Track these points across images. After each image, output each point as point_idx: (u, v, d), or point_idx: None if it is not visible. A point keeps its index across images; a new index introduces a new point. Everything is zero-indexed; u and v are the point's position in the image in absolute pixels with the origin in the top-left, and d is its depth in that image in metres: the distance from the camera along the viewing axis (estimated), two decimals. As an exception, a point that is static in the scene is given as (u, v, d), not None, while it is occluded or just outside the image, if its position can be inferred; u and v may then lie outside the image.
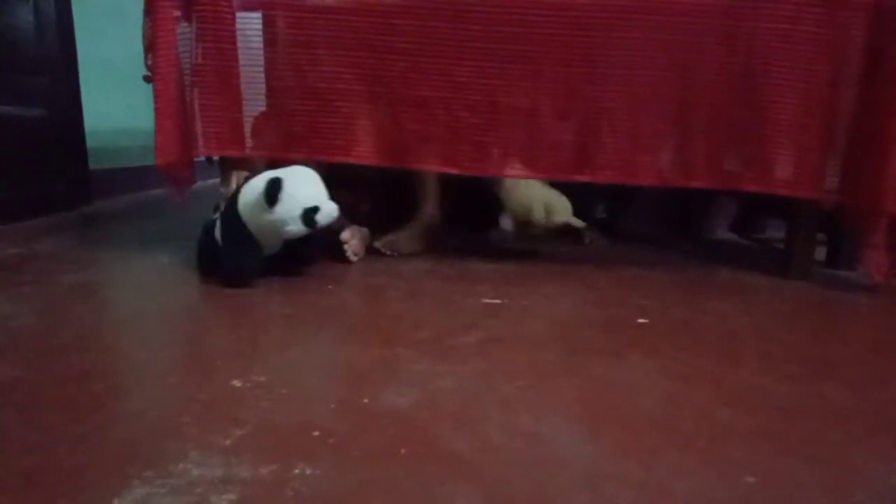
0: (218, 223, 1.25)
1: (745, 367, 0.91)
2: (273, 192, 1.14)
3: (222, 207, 1.25)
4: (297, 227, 1.18)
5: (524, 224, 1.50)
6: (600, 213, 1.90)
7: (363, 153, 1.35)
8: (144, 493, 0.54)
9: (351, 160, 1.34)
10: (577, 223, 1.62)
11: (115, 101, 2.39)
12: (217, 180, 1.48)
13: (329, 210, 1.19)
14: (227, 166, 1.42)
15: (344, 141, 1.33)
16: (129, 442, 0.63)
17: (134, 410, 0.71)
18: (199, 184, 1.75)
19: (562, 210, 1.53)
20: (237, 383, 0.77)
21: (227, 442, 0.63)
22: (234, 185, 1.26)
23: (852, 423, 0.74)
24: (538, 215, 1.46)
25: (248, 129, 1.37)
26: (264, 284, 1.23)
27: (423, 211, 1.60)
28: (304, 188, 1.18)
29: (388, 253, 1.52)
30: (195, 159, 1.38)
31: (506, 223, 1.50)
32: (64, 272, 1.27)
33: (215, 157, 1.48)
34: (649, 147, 1.38)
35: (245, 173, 1.31)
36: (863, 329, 1.16)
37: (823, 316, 1.23)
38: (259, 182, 1.17)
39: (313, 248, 1.33)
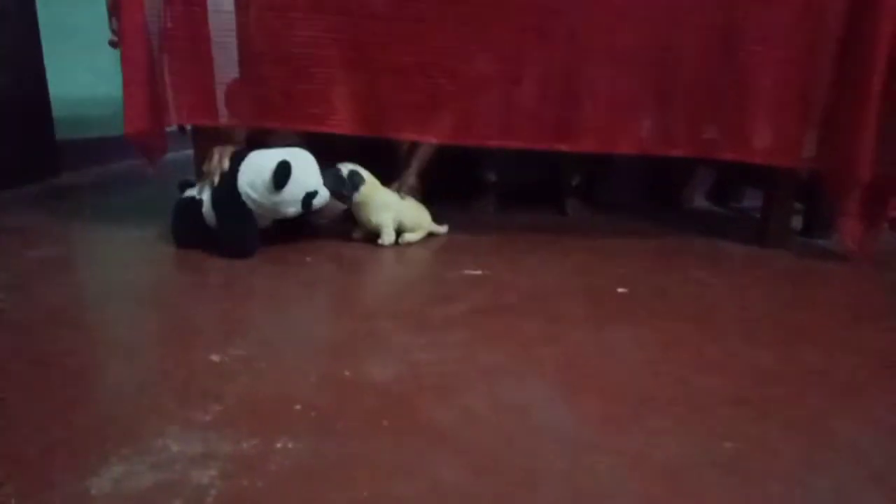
0: (204, 200, 1.22)
1: (724, 334, 0.92)
2: (283, 176, 1.16)
3: (214, 183, 1.23)
4: (295, 210, 1.21)
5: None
6: (577, 182, 1.89)
7: (339, 122, 1.32)
8: (123, 470, 0.54)
9: (327, 129, 1.31)
10: (440, 230, 1.47)
11: (81, 67, 2.29)
12: (190, 151, 1.44)
13: (325, 195, 1.24)
14: (204, 141, 1.38)
15: (320, 110, 1.30)
16: (106, 419, 0.62)
17: (110, 387, 0.69)
18: (172, 155, 1.70)
19: (417, 224, 1.42)
20: (216, 358, 0.76)
21: (207, 417, 0.63)
22: (224, 163, 1.23)
23: (827, 387, 0.76)
24: (387, 239, 1.35)
25: (220, 97, 1.33)
26: (246, 261, 1.21)
27: (404, 182, 1.58)
28: (308, 173, 1.22)
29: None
30: (166, 129, 1.34)
31: (357, 235, 1.42)
32: (32, 247, 1.23)
33: (187, 127, 1.44)
34: (629, 115, 1.37)
35: (231, 148, 1.27)
36: (838, 296, 1.19)
37: (799, 283, 1.25)
38: (263, 162, 1.18)
39: (305, 223, 1.36)
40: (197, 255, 1.20)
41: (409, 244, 1.38)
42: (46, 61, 2.04)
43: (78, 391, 0.67)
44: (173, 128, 1.43)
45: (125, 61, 1.24)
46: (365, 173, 1.35)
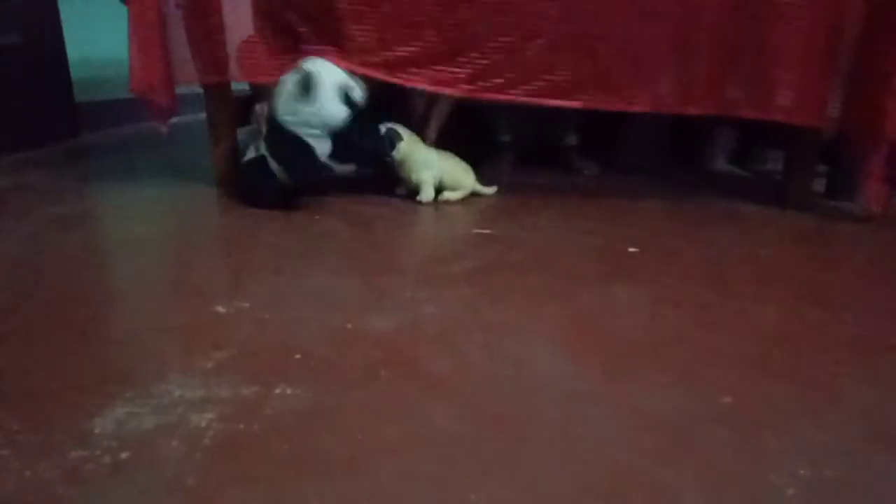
0: (266, 153, 1.25)
1: (733, 294, 0.90)
2: (307, 83, 1.17)
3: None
4: (338, 110, 1.20)
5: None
6: (570, 140, 1.85)
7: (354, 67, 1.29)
8: (125, 412, 0.55)
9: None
10: (486, 190, 1.46)
11: (99, 28, 2.29)
12: (203, 114, 1.44)
13: (361, 87, 1.23)
14: (216, 104, 1.40)
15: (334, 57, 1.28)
16: (111, 365, 0.64)
17: (116, 335, 0.71)
18: (187, 118, 1.71)
19: (458, 184, 1.41)
20: (221, 309, 0.77)
21: (209, 364, 0.64)
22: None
23: (834, 347, 0.75)
24: (426, 196, 1.36)
25: (232, 55, 1.32)
26: (252, 215, 1.21)
27: (424, 137, 1.57)
28: (331, 72, 1.20)
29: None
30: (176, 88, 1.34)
31: (400, 191, 1.41)
32: (49, 204, 1.25)
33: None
34: (648, 72, 1.33)
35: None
36: (855, 257, 1.16)
37: (816, 244, 1.22)
38: (286, 85, 1.19)
39: (370, 139, 1.35)
40: (208, 213, 1.22)
41: (448, 202, 1.39)
42: (64, 23, 2.05)
43: (85, 338, 0.69)
44: (186, 90, 1.43)
45: (133, 18, 1.24)
46: (404, 131, 1.36)
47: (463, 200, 1.41)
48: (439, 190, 1.39)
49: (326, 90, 1.18)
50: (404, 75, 1.30)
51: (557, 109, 1.35)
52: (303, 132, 1.19)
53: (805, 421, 0.58)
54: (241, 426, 0.53)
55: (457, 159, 1.43)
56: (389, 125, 1.35)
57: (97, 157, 1.87)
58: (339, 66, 1.23)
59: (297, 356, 0.66)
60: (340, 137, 1.24)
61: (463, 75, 1.30)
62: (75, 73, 2.11)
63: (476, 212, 1.33)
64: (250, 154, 1.29)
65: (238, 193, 1.31)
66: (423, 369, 0.64)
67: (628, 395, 0.61)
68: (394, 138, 1.34)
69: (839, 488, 0.49)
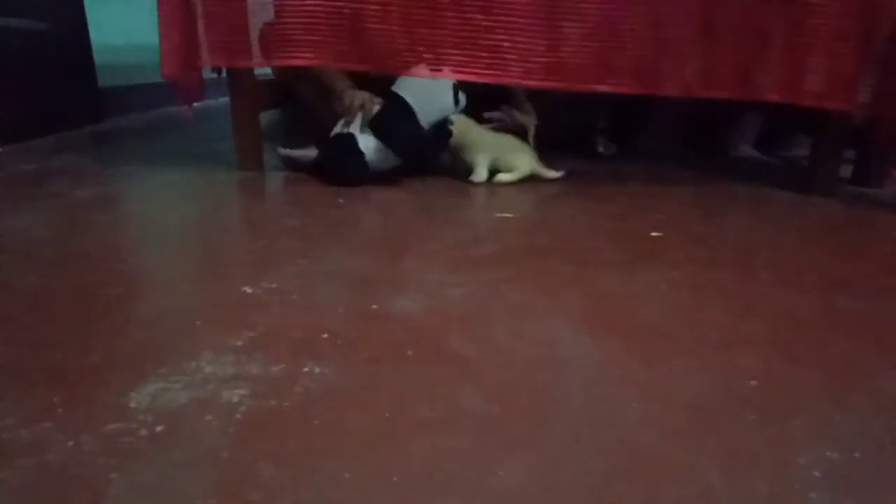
0: (357, 135, 1.35)
1: (758, 280, 0.90)
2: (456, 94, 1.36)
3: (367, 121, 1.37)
4: (449, 104, 1.37)
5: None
6: (600, 124, 1.85)
7: (369, 60, 1.30)
8: (159, 388, 0.56)
9: (356, 68, 1.29)
10: (549, 174, 1.46)
11: (123, 14, 2.32)
12: (227, 99, 1.45)
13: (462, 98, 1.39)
14: (241, 88, 1.42)
15: (353, 53, 1.28)
16: (144, 343, 0.65)
17: (148, 315, 0.72)
18: (210, 102, 1.72)
19: (514, 166, 1.43)
20: (249, 290, 0.78)
21: (239, 343, 0.65)
22: (367, 105, 1.39)
23: (861, 334, 0.74)
24: (478, 176, 1.39)
25: (254, 39, 1.33)
26: (275, 198, 1.23)
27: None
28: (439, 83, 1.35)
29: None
30: (202, 73, 1.35)
31: (457, 169, 1.47)
32: (78, 187, 1.28)
33: (223, 72, 1.45)
34: (673, 55, 1.31)
35: (362, 93, 1.42)
36: (882, 245, 1.14)
37: (843, 231, 1.20)
38: (435, 89, 1.35)
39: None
40: (233, 196, 1.23)
41: (503, 184, 1.41)
42: (87, 9, 2.07)
43: (117, 318, 0.70)
44: (212, 74, 1.44)
45: (161, 3, 1.25)
46: (456, 117, 1.40)
47: (483, 184, 1.41)
48: (494, 171, 1.41)
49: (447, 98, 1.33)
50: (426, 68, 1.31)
51: (590, 95, 1.35)
52: (425, 119, 1.32)
53: (832, 406, 0.58)
54: (273, 402, 0.55)
55: (515, 141, 1.45)
56: None
57: (121, 142, 1.89)
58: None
59: (325, 336, 0.67)
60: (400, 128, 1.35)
61: (486, 61, 1.30)
62: (98, 58, 2.13)
63: (498, 195, 1.32)
64: (337, 130, 1.39)
65: (319, 166, 1.41)
66: (450, 350, 0.65)
67: (653, 378, 0.61)
68: (447, 121, 1.37)
69: (866, 471, 0.48)
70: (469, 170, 1.42)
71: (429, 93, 1.35)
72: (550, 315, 0.75)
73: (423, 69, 1.29)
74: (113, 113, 2.25)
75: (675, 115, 2.01)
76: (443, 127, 1.39)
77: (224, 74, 1.45)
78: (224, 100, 1.42)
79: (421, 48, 1.28)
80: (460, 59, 1.29)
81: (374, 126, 1.34)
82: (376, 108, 1.38)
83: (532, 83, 1.32)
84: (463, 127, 1.38)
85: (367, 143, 1.34)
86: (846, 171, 1.55)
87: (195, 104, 1.40)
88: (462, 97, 1.37)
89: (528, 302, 0.79)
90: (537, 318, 0.74)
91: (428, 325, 0.71)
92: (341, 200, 1.24)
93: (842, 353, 0.69)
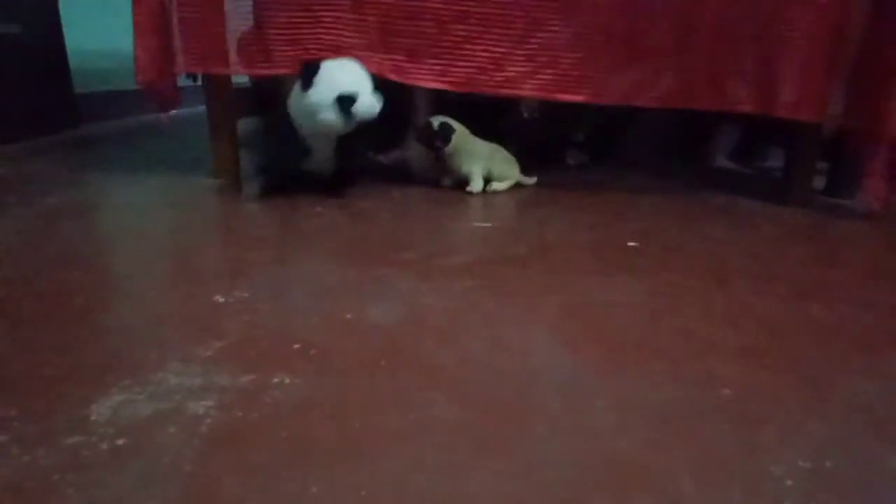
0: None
1: (734, 288, 0.90)
2: (308, 74, 1.12)
3: None
4: (332, 115, 1.14)
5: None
6: (578, 137, 1.87)
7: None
8: (122, 399, 0.55)
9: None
10: (526, 181, 1.51)
11: (99, 19, 2.29)
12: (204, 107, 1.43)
13: (368, 103, 1.14)
14: (217, 95, 1.39)
15: (332, 55, 1.27)
16: (109, 353, 0.63)
17: (114, 323, 0.70)
18: (188, 110, 1.70)
19: (506, 174, 1.47)
20: (220, 299, 0.77)
21: (208, 353, 0.64)
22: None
23: (836, 342, 0.74)
24: (476, 186, 1.40)
25: (232, 46, 1.32)
26: (252, 206, 1.21)
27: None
28: (343, 75, 1.15)
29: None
30: (178, 80, 1.33)
31: (446, 183, 1.44)
32: (50, 193, 1.25)
33: (198, 79, 1.43)
34: (650, 67, 1.33)
35: None
36: (856, 254, 1.15)
37: (818, 241, 1.21)
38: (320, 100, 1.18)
39: (357, 161, 1.33)
40: (208, 204, 1.21)
41: (496, 192, 1.43)
42: (62, 13, 2.04)
43: (82, 327, 0.68)
44: (189, 82, 1.42)
45: (136, 9, 1.24)
46: (455, 124, 1.39)
47: (460, 194, 1.41)
48: (487, 181, 1.43)
49: (322, 91, 1.14)
50: (403, 75, 1.30)
51: (570, 106, 1.36)
52: (299, 125, 1.18)
53: (805, 414, 0.58)
54: (240, 414, 0.53)
55: (504, 151, 1.47)
56: (442, 119, 1.37)
57: (97, 148, 1.86)
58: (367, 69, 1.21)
59: (297, 346, 0.66)
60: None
61: (464, 70, 1.30)
62: (74, 63, 2.10)
63: (475, 205, 1.32)
64: None
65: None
66: (424, 359, 0.64)
67: (628, 387, 0.61)
68: (448, 132, 1.36)
69: (839, 480, 0.48)
70: (459, 178, 1.42)
71: (298, 98, 1.19)
72: (526, 324, 0.75)
73: (394, 75, 1.29)
74: (89, 119, 2.21)
75: (653, 125, 2.03)
76: (430, 129, 1.34)
77: (200, 82, 1.44)
78: (203, 108, 1.41)
79: (399, 57, 1.28)
80: (438, 67, 1.29)
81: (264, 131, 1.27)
82: None
83: (510, 92, 1.33)
84: (460, 139, 1.38)
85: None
86: (819, 181, 1.57)
87: (172, 112, 1.39)
88: (364, 107, 1.17)
89: (503, 311, 0.78)
90: (513, 327, 0.74)
91: (403, 334, 0.70)
92: (319, 209, 1.23)
93: (815, 361, 0.69)
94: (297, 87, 1.18)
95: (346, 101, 1.13)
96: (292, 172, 1.25)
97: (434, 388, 0.59)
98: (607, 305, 0.82)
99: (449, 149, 1.38)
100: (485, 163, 1.42)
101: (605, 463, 0.49)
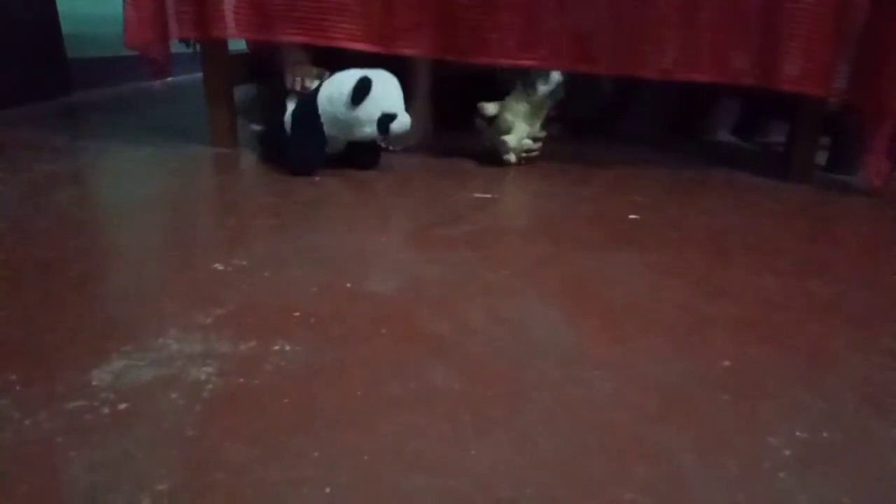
0: (288, 117, 1.25)
1: (733, 263, 0.90)
2: (362, 91, 1.14)
3: (293, 103, 1.26)
4: (371, 130, 1.19)
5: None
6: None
7: (349, 36, 1.27)
8: (123, 365, 0.55)
9: (336, 44, 1.26)
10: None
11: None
12: (200, 74, 1.41)
13: (404, 121, 1.20)
14: (212, 63, 1.36)
15: (329, 23, 1.25)
16: (109, 320, 0.63)
17: (113, 291, 0.70)
18: (182, 77, 1.68)
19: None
20: (219, 267, 0.77)
21: (208, 320, 0.63)
22: (306, 83, 1.26)
23: (834, 316, 0.75)
24: (512, 157, 1.40)
25: (228, 10, 1.29)
26: (250, 175, 1.20)
27: (417, 104, 1.54)
28: (389, 93, 1.19)
29: (384, 146, 1.48)
30: (170, 46, 1.31)
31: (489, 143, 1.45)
32: (42, 161, 1.24)
33: (196, 47, 1.41)
34: (652, 40, 1.31)
35: (313, 69, 1.29)
36: (856, 230, 1.15)
37: (818, 217, 1.21)
38: (345, 78, 1.17)
39: (377, 154, 1.35)
40: (205, 172, 1.20)
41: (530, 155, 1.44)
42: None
43: (81, 295, 0.68)
44: (183, 48, 1.40)
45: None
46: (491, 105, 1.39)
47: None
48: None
49: (369, 109, 1.16)
50: (402, 45, 1.28)
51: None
52: (328, 124, 1.20)
53: (803, 387, 0.58)
54: (241, 381, 0.53)
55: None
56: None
57: (91, 115, 1.84)
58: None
59: (297, 314, 0.66)
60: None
61: (463, 40, 1.28)
62: (67, 27, 2.06)
63: (475, 177, 1.31)
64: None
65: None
66: (424, 329, 0.64)
67: (627, 359, 0.61)
68: (484, 106, 1.37)
69: (835, 450, 0.49)
70: (498, 150, 1.42)
71: (337, 103, 1.18)
72: (526, 296, 0.75)
73: (402, 49, 1.27)
74: (84, 85, 2.18)
75: (654, 99, 2.01)
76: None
77: (197, 50, 1.41)
78: (199, 75, 1.38)
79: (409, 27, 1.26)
80: (438, 38, 1.27)
81: (292, 121, 1.24)
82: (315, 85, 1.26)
83: (507, 62, 1.31)
84: (501, 108, 1.38)
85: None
86: (822, 157, 1.56)
87: (167, 79, 1.36)
88: (400, 125, 1.19)
89: (504, 282, 0.78)
90: (513, 299, 0.74)
91: (402, 303, 0.70)
92: (317, 178, 1.22)
93: (813, 336, 0.69)
94: (334, 89, 1.18)
95: (387, 119, 1.17)
96: (319, 158, 1.25)
97: (435, 358, 0.59)
98: (606, 278, 0.82)
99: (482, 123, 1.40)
100: (520, 133, 1.40)
101: (604, 434, 0.49)
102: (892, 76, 1.25)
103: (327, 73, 1.25)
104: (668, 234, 1.01)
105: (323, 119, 1.20)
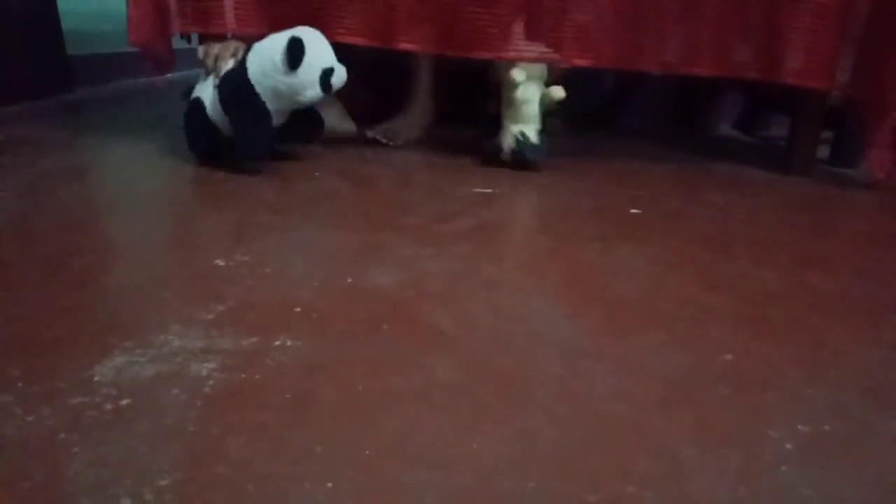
0: (206, 101, 1.17)
1: (735, 256, 0.90)
2: (298, 53, 1.07)
3: (216, 82, 1.17)
4: (314, 92, 1.11)
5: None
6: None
7: (350, 31, 1.26)
8: (125, 361, 0.55)
9: (337, 39, 1.26)
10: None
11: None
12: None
13: (341, 73, 1.13)
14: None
15: (330, 17, 1.25)
16: (110, 316, 0.63)
17: (115, 287, 0.70)
18: (185, 72, 1.67)
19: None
20: (220, 262, 0.77)
21: (209, 316, 0.63)
22: (227, 60, 1.18)
23: (835, 309, 0.75)
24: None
25: (229, 5, 1.28)
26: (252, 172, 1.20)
27: (417, 99, 1.54)
28: (321, 49, 1.11)
29: (384, 142, 1.48)
30: (172, 41, 1.30)
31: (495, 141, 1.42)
32: (44, 157, 1.23)
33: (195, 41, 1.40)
34: (654, 33, 1.30)
35: (233, 44, 1.21)
36: (858, 223, 1.15)
37: (820, 210, 1.21)
38: (272, 45, 1.10)
39: (320, 120, 1.28)
40: (205, 168, 1.20)
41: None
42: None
43: (82, 291, 0.68)
44: (184, 43, 1.39)
45: (128, -35, 1.20)
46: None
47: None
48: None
49: (308, 70, 1.09)
50: (403, 40, 1.27)
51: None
52: (268, 99, 1.12)
53: (805, 379, 0.58)
54: (243, 376, 0.53)
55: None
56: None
57: (92, 112, 1.84)
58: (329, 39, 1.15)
59: (298, 309, 0.66)
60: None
61: (462, 33, 1.27)
62: (67, 24, 2.05)
63: (475, 171, 1.31)
64: (195, 94, 1.20)
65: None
66: (426, 324, 0.64)
67: (629, 352, 0.61)
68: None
69: (837, 444, 0.49)
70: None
71: (272, 73, 1.10)
72: (528, 290, 0.75)
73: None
74: (85, 82, 2.17)
75: (656, 93, 2.00)
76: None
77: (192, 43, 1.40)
78: (199, 70, 1.38)
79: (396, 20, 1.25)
80: (438, 32, 1.26)
81: (223, 105, 1.15)
82: (231, 63, 1.16)
83: (509, 56, 1.30)
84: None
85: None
86: (823, 151, 1.56)
87: (170, 75, 1.36)
88: (339, 79, 1.12)
89: (505, 276, 0.78)
90: (514, 293, 0.74)
91: (404, 298, 0.70)
92: (317, 174, 1.22)
93: (815, 328, 0.69)
94: (265, 60, 1.10)
95: (327, 75, 1.10)
96: (268, 140, 1.18)
97: (436, 352, 0.59)
98: (608, 272, 0.82)
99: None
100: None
101: (605, 427, 0.49)
102: (894, 69, 1.25)
103: (243, 46, 1.17)
104: (670, 228, 1.00)
105: (262, 96, 1.12)
